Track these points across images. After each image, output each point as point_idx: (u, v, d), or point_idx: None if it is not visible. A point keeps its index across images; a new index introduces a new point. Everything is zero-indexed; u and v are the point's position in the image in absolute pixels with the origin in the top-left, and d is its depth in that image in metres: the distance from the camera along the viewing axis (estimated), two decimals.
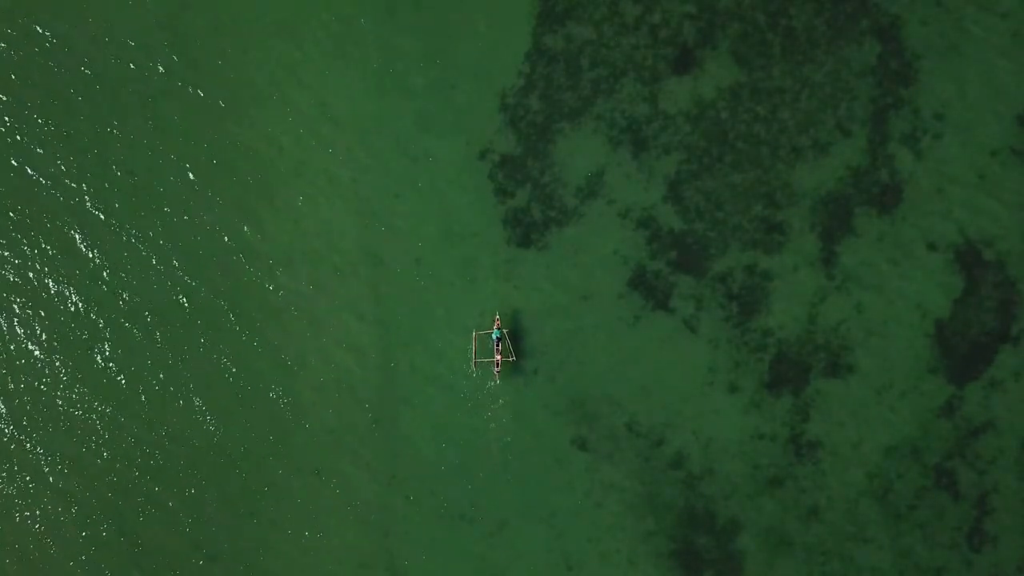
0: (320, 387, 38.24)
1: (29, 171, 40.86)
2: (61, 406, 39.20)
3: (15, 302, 40.09)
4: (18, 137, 41.06)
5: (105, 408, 39.15)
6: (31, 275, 40.31)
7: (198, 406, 38.74)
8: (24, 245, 40.50)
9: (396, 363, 38.09)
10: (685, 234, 37.87)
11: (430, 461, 37.41)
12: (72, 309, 39.85)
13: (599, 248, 38.06)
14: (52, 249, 40.29)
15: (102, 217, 40.31)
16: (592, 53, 39.35)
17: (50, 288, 40.03)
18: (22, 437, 39.30)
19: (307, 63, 40.27)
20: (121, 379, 39.26)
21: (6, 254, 40.34)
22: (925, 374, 36.64)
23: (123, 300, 39.82)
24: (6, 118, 40.96)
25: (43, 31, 41.66)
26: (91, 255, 40.11)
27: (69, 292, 39.89)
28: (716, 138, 38.23)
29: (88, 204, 40.45)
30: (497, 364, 37.72)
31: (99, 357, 39.56)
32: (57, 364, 39.48)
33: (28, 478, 38.98)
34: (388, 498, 37.45)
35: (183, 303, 39.45)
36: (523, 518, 36.62)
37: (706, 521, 36.19)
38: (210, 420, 38.57)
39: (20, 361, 39.74)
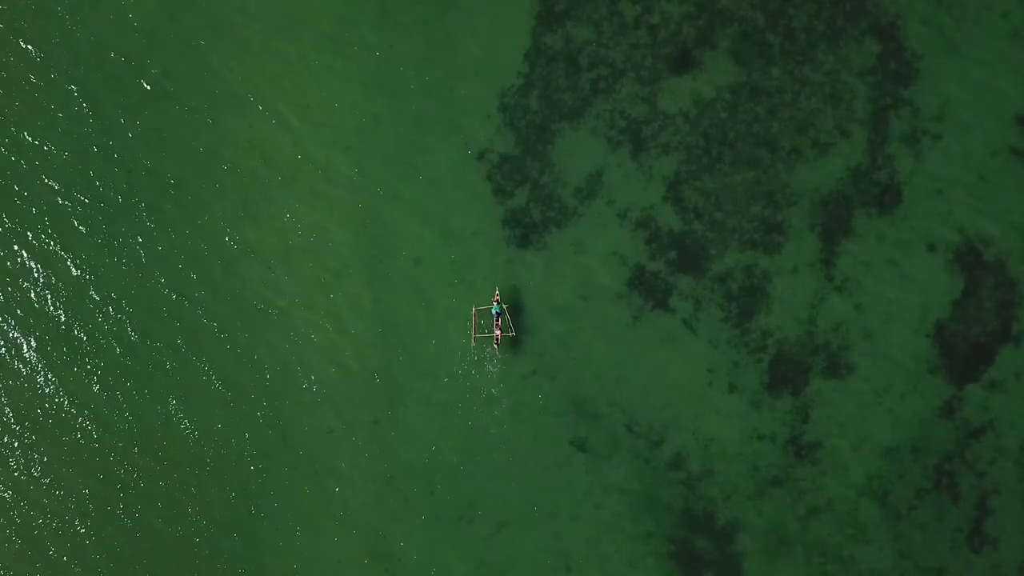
0: (318, 387, 38.18)
1: (11, 183, 40.84)
2: (65, 406, 39.27)
3: None
4: (1, 149, 41.16)
5: (101, 409, 39.10)
6: (13, 289, 40.25)
7: (197, 407, 38.72)
8: (6, 259, 40.46)
9: (395, 363, 38.02)
10: (684, 234, 37.80)
11: (429, 461, 37.32)
12: (78, 303, 39.96)
13: (598, 248, 37.99)
14: (37, 264, 40.18)
15: (86, 228, 40.31)
16: (591, 53, 39.29)
17: (43, 300, 40.10)
18: (6, 452, 39.31)
19: (306, 63, 40.24)
20: (122, 379, 39.29)
21: None
22: (925, 375, 36.57)
23: (121, 303, 39.83)
24: None
25: (27, 45, 41.66)
26: (92, 243, 40.13)
27: (77, 287, 40.01)
28: (716, 138, 38.16)
29: (74, 213, 40.47)
30: (497, 339, 37.66)
31: (99, 357, 39.61)
32: (59, 366, 39.54)
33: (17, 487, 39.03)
34: (387, 499, 37.37)
35: (181, 304, 39.42)
36: (522, 519, 36.52)
37: (706, 522, 36.09)
38: (209, 421, 38.54)
39: (3, 376, 39.81)
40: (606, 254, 37.92)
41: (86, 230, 40.23)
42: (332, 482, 37.74)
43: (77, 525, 38.46)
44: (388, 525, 37.12)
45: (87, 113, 41.00)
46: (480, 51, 39.47)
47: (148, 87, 40.62)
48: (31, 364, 39.72)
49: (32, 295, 39.90)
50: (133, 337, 39.52)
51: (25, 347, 39.68)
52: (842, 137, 37.35)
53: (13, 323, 39.93)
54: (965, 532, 34.88)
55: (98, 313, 39.77)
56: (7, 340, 39.76)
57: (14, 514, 38.84)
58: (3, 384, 39.44)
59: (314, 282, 38.84)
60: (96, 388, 39.26)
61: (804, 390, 36.79)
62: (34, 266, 40.16)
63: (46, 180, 40.63)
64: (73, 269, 40.01)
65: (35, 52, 41.48)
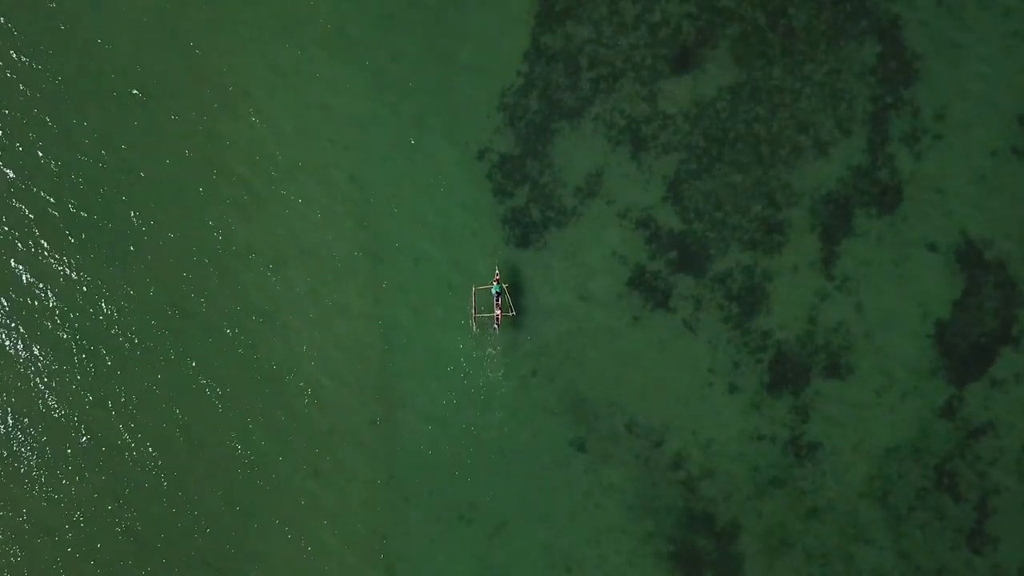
0: (318, 387, 38.07)
1: (2, 191, 40.61)
2: (54, 408, 39.20)
3: None
4: None
5: (93, 414, 39.01)
6: (4, 297, 40.10)
7: (197, 407, 38.61)
8: None
9: (394, 363, 37.92)
10: (684, 234, 37.74)
11: (428, 461, 37.22)
12: (78, 305, 39.85)
13: (598, 248, 37.92)
14: (28, 272, 39.94)
15: (79, 235, 40.15)
16: (591, 52, 39.25)
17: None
18: None
19: (305, 63, 40.16)
20: (115, 384, 39.20)
21: None
22: (925, 375, 36.52)
23: (115, 309, 39.74)
24: None
25: (17, 51, 41.53)
26: (84, 251, 40.05)
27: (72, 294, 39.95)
28: (716, 138, 38.12)
29: (66, 220, 40.40)
30: (497, 319, 37.65)
31: (91, 363, 39.51)
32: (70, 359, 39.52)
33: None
34: (386, 499, 37.28)
35: (176, 307, 39.34)
36: (522, 519, 36.45)
37: (706, 522, 36.03)
38: (209, 420, 38.47)
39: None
40: (606, 254, 37.83)
41: (78, 237, 40.08)
42: (332, 482, 37.67)
43: (67, 530, 38.36)
44: (388, 525, 37.06)
45: (79, 119, 40.87)
46: (480, 51, 39.44)
47: (140, 91, 40.54)
48: (25, 368, 39.67)
49: (24, 302, 39.78)
50: (128, 343, 39.44)
51: (18, 354, 39.62)
52: (842, 137, 37.33)
53: (4, 331, 39.86)
54: (965, 532, 34.85)
55: (90, 320, 39.65)
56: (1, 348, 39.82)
57: (8, 515, 38.84)
58: None
59: (313, 283, 38.74)
60: (88, 395, 39.14)
61: (804, 390, 36.73)
62: (24, 274, 40.04)
63: (36, 188, 40.55)
64: (65, 276, 39.90)
65: (25, 58, 41.40)
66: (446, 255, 38.37)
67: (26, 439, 38.84)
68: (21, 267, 39.90)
